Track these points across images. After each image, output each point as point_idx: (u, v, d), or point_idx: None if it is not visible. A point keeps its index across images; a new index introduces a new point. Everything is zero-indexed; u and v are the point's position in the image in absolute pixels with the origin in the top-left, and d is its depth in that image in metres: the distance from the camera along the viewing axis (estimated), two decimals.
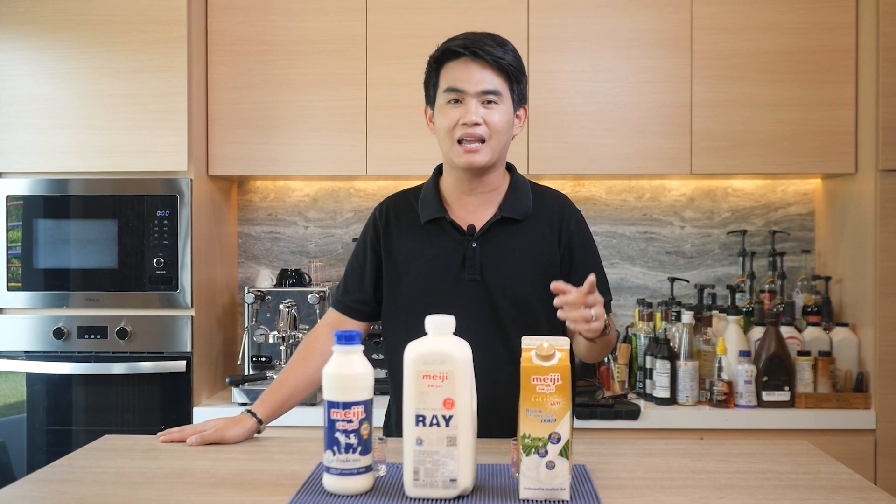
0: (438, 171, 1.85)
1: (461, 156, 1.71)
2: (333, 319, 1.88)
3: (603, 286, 1.81)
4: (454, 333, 1.34)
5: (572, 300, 1.49)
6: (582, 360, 1.85)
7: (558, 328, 1.78)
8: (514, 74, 1.73)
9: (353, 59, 2.87)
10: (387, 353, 1.86)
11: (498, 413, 1.66)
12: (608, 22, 2.85)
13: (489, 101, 1.71)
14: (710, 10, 2.82)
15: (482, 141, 1.71)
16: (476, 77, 1.70)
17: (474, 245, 1.76)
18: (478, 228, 1.77)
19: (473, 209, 1.79)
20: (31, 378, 2.76)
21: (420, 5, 2.86)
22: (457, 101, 1.71)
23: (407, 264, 1.79)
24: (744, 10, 2.82)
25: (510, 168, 1.85)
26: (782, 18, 2.81)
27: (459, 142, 1.71)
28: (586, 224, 1.87)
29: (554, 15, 2.85)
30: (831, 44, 2.80)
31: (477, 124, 1.70)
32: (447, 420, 1.28)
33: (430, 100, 1.79)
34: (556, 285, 1.49)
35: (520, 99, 1.77)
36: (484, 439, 1.46)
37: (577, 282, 1.76)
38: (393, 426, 1.86)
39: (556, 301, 1.50)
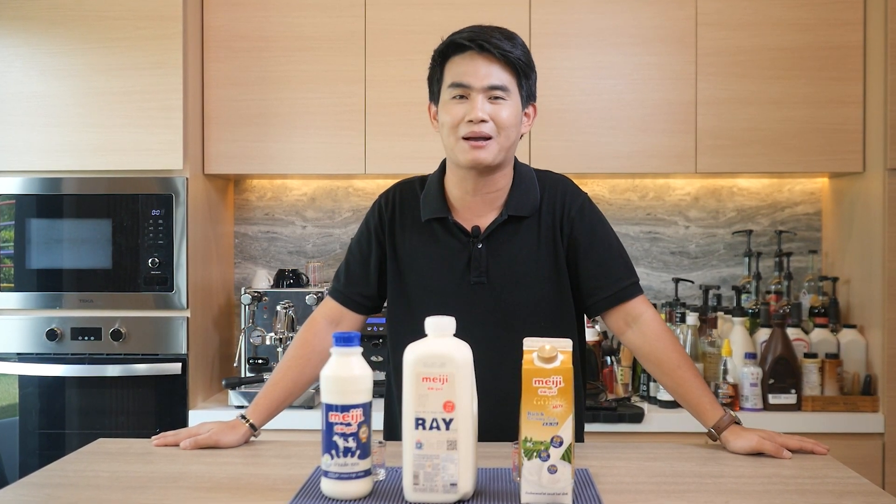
0: (444, 166, 1.77)
1: (466, 152, 1.63)
2: (333, 311, 1.81)
3: (620, 269, 1.73)
4: (461, 337, 1.31)
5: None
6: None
7: (569, 329, 1.74)
8: (523, 69, 1.65)
9: (351, 55, 2.84)
10: (391, 354, 1.80)
11: (506, 420, 1.58)
12: (611, 18, 2.82)
13: (496, 97, 1.63)
14: (716, 6, 2.79)
15: (489, 138, 1.63)
16: (482, 71, 1.62)
17: (480, 246, 1.71)
18: (482, 229, 1.71)
19: (478, 210, 1.72)
20: (24, 380, 2.73)
21: (420, 1, 2.82)
22: (462, 96, 1.64)
23: (410, 262, 1.74)
24: (749, 6, 2.78)
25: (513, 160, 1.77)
26: (789, 14, 2.78)
27: (465, 139, 1.63)
28: (592, 207, 1.76)
29: (556, 11, 2.81)
30: (839, 40, 2.76)
31: (483, 121, 1.62)
32: (447, 423, 1.26)
33: (434, 96, 1.72)
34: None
35: (528, 96, 1.69)
36: (484, 442, 1.42)
37: (585, 273, 1.73)
38: (397, 428, 1.80)
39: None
